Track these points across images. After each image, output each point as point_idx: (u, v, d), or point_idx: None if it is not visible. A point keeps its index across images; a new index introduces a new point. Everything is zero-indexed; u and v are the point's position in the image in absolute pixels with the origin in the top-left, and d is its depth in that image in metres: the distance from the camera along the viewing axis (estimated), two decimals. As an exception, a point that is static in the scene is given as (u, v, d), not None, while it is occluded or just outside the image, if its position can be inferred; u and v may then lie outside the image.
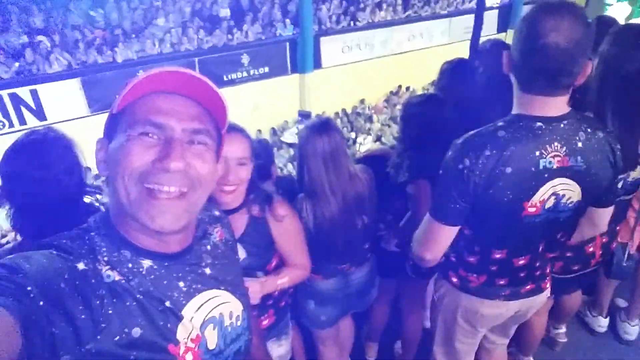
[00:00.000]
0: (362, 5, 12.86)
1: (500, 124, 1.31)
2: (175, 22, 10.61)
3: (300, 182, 1.95)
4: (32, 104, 8.89)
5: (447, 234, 1.42)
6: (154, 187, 0.78)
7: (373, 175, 2.02)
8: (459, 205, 1.35)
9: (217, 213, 1.07)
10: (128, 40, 9.77)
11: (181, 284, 0.86)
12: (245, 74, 11.14)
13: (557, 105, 1.27)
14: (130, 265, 0.80)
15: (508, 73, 1.34)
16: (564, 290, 2.22)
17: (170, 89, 0.81)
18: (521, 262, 1.49)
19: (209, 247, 0.97)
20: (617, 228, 2.07)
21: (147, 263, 0.82)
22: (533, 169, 1.27)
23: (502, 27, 15.09)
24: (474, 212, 1.37)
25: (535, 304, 1.67)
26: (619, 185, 1.74)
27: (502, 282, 1.55)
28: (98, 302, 0.73)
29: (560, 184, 1.29)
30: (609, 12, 13.83)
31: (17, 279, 0.64)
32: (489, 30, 13.60)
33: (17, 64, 8.87)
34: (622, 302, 2.87)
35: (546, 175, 1.28)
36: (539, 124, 1.27)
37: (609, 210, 1.50)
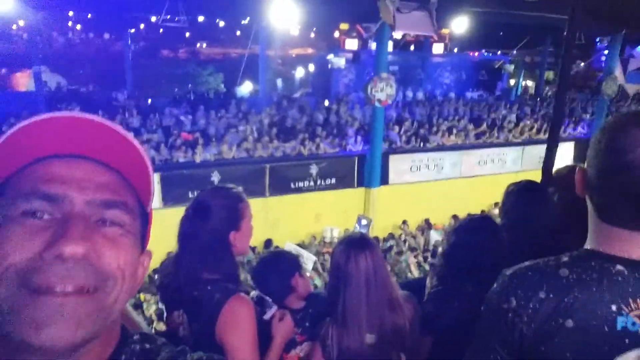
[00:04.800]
0: (434, 129, 13.20)
1: (564, 259, 1.02)
2: (255, 130, 11.46)
3: (333, 304, 1.72)
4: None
5: None
6: (40, 287, 0.53)
7: (418, 305, 1.77)
8: (500, 358, 1.04)
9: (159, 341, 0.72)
10: (209, 144, 10.59)
11: None
12: (312, 183, 11.47)
13: None
14: None
15: (582, 195, 1.09)
16: None
17: (70, 150, 0.59)
18: None
19: None
20: None
21: None
22: (606, 328, 0.93)
23: (579, 159, 14.63)
24: None
25: None
26: None
27: None
28: None
29: (651, 355, 0.98)
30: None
31: None
32: (564, 162, 13.23)
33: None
34: None
35: (627, 340, 0.93)
36: (619, 267, 0.97)
37: None
